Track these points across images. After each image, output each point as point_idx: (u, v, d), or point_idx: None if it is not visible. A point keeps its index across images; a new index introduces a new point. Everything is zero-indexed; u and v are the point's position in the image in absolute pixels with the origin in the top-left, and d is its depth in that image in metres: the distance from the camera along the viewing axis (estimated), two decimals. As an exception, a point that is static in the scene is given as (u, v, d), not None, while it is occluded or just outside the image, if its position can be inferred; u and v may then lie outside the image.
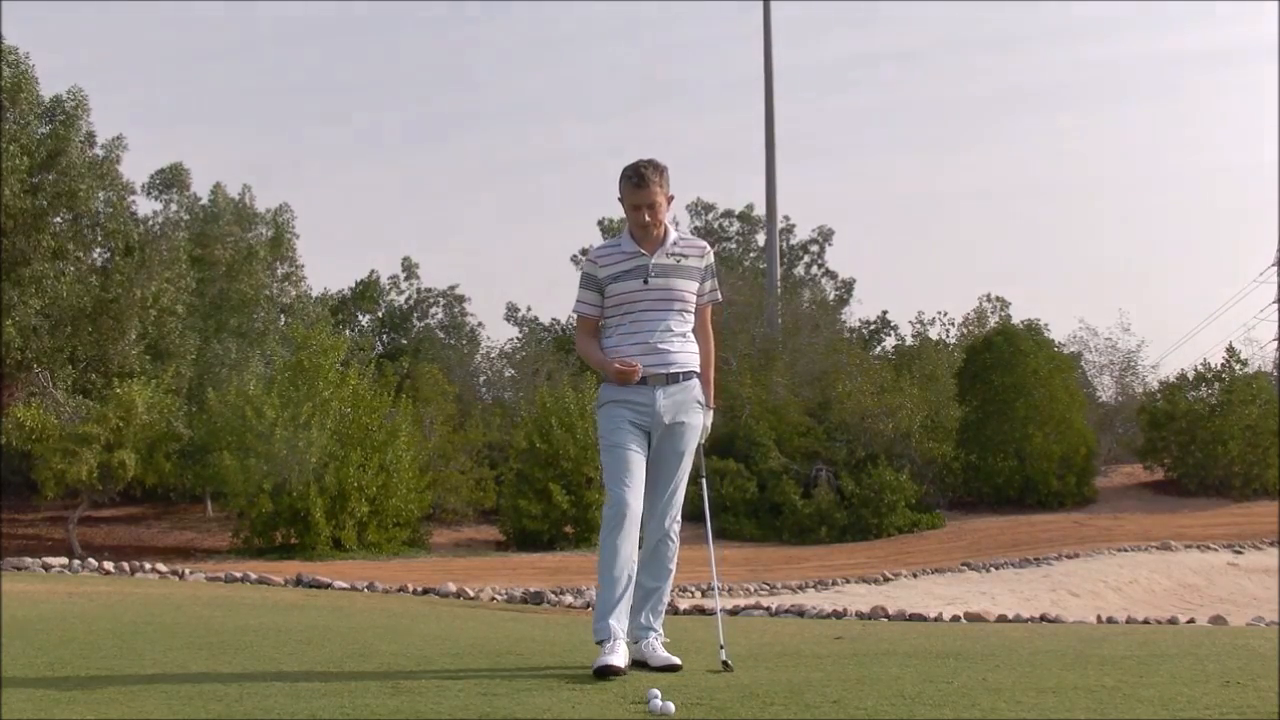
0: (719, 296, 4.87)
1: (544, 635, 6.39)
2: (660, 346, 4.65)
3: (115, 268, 23.87)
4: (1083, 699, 3.77)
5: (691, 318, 4.76)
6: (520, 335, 39.07)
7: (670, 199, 4.70)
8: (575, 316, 4.88)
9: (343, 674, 4.52)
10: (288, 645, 5.55)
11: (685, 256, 4.70)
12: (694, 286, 4.72)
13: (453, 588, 12.68)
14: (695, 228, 45.46)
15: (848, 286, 46.01)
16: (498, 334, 69.51)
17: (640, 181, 4.61)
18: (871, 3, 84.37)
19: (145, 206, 28.27)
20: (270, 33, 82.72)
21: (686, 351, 4.71)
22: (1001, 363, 30.19)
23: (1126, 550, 22.44)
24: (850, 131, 79.59)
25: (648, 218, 4.63)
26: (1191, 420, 31.23)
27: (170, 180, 28.86)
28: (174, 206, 28.51)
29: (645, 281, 4.63)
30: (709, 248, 4.83)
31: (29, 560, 13.56)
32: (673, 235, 4.73)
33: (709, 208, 46.60)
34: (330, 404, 22.88)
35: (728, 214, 46.63)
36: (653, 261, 4.65)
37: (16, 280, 22.27)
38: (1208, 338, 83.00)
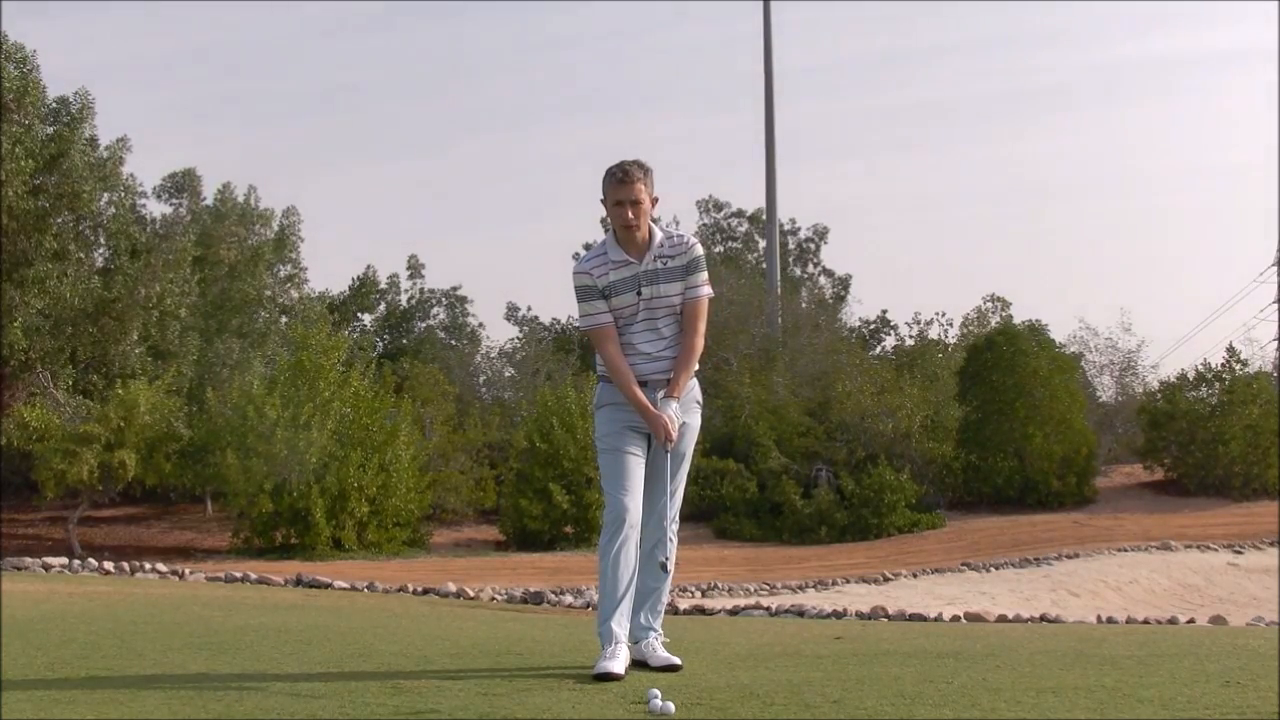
0: (705, 292, 4.64)
1: (544, 635, 6.39)
2: (659, 353, 4.62)
3: (119, 269, 23.87)
4: (1083, 699, 3.77)
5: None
6: (520, 335, 39.03)
7: (655, 200, 4.59)
8: (587, 331, 4.68)
9: (343, 674, 4.52)
10: (288, 645, 5.55)
11: (671, 258, 4.61)
12: (680, 287, 4.64)
13: (453, 588, 12.70)
14: (703, 225, 45.23)
15: (844, 284, 45.94)
16: (498, 334, 69.45)
17: (624, 177, 4.51)
18: (872, 3, 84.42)
19: (155, 209, 28.28)
20: (271, 33, 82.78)
21: None
22: (1002, 363, 30.17)
23: (1126, 550, 22.44)
24: (850, 132, 79.56)
25: (631, 214, 4.52)
26: (1192, 420, 31.20)
27: (181, 184, 28.86)
28: (182, 210, 28.53)
29: (639, 294, 4.58)
30: (691, 241, 4.66)
31: (29, 560, 13.57)
32: (658, 236, 4.62)
33: (720, 206, 46.37)
34: (331, 404, 22.89)
35: (738, 214, 46.43)
36: (643, 269, 4.58)
37: (19, 281, 22.27)
38: (1208, 338, 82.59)
